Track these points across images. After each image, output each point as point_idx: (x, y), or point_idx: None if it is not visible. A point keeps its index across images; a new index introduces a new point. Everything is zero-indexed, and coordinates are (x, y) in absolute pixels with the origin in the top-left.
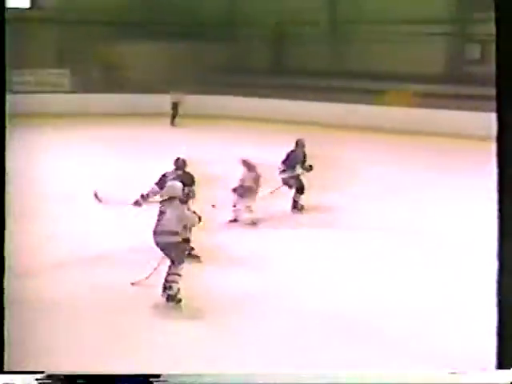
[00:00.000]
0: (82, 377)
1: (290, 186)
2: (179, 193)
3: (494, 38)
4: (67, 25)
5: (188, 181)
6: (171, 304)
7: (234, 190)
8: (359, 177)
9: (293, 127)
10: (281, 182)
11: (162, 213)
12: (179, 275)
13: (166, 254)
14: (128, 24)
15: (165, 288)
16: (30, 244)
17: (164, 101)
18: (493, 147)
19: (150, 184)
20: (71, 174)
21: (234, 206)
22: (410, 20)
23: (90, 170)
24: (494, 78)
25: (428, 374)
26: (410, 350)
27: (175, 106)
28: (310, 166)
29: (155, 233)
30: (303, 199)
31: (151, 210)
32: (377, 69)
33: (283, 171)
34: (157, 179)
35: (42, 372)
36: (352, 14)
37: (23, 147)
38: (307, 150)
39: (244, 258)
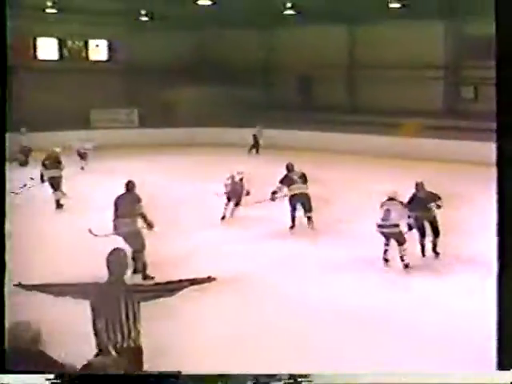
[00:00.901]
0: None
1: (419, 230)
2: (397, 195)
3: (484, 81)
4: (135, 74)
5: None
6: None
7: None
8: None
9: (319, 154)
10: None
11: (387, 211)
12: (405, 250)
13: (389, 238)
14: (181, 72)
15: (403, 262)
16: None
17: (213, 133)
18: (484, 170)
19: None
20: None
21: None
22: (417, 65)
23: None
24: (485, 113)
25: (428, 374)
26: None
27: (255, 137)
28: (440, 204)
29: (381, 226)
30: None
31: None
32: (390, 106)
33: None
34: (281, 178)
35: (42, 372)
36: (368, 61)
37: (108, 170)
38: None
39: None
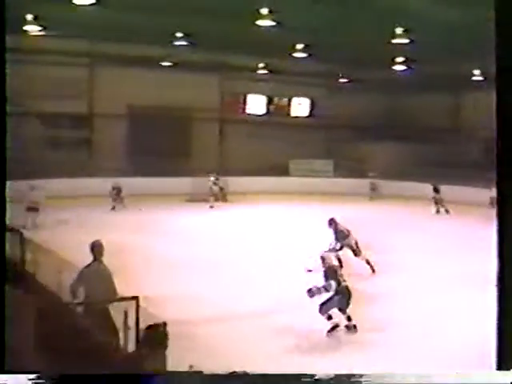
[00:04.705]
0: (79, 377)
1: None
2: None
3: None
4: (332, 129)
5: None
6: None
7: None
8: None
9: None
10: None
11: None
12: None
13: None
14: (372, 128)
15: None
16: None
17: (392, 185)
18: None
19: None
20: None
21: None
22: None
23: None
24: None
25: (429, 374)
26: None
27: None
28: None
29: None
30: None
31: None
32: None
33: None
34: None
35: (38, 372)
36: None
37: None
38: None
39: None
